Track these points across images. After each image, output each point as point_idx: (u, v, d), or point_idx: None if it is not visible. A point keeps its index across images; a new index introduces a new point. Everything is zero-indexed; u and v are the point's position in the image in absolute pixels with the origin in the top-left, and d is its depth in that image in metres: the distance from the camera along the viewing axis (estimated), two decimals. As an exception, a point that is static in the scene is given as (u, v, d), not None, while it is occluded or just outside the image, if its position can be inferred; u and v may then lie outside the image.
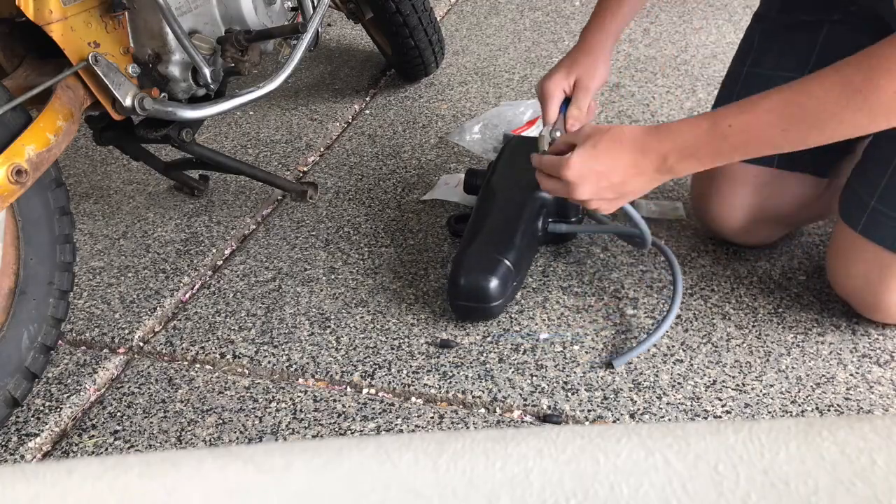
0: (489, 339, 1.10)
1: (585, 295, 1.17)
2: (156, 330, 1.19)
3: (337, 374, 1.07)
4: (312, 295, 1.22)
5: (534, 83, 1.83)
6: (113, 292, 1.26)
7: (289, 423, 1.00)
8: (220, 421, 1.01)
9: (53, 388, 1.08)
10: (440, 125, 1.68)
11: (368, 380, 1.05)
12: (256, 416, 1.02)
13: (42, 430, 1.02)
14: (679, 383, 1.01)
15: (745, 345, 1.07)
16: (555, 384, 1.02)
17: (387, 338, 1.12)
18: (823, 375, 1.01)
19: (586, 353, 1.07)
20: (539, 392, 1.01)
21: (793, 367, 1.03)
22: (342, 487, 0.26)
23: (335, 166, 1.57)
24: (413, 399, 1.02)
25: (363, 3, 1.67)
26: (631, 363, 1.04)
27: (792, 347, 1.06)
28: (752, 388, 1.00)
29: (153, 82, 1.14)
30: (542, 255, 1.25)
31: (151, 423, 1.02)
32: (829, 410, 0.97)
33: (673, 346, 1.07)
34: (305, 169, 1.58)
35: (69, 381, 1.09)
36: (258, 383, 1.07)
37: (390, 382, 1.05)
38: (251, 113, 1.80)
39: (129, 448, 0.99)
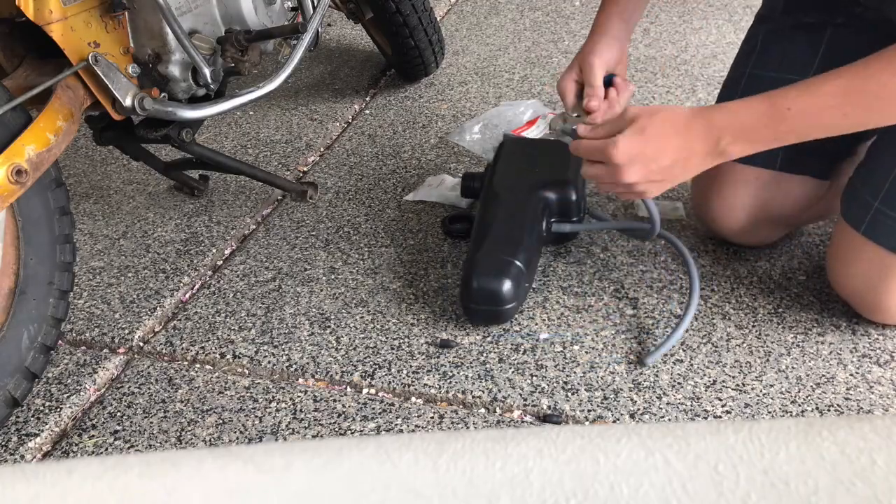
0: (489, 339, 1.10)
1: (585, 295, 1.17)
2: (156, 330, 1.19)
3: (337, 374, 1.07)
4: (312, 295, 1.22)
5: (534, 83, 1.83)
6: (113, 292, 1.26)
7: (289, 423, 1.00)
8: (220, 421, 1.01)
9: (53, 388, 1.08)
10: (440, 125, 1.68)
11: (368, 380, 1.05)
12: (256, 416, 1.02)
13: (42, 430, 1.02)
14: (679, 383, 1.01)
15: (745, 345, 1.07)
16: (555, 384, 1.02)
17: (387, 338, 1.12)
18: (823, 375, 1.01)
19: (586, 353, 1.07)
20: (539, 392, 1.01)
21: (793, 367, 1.03)
22: (342, 487, 0.26)
23: (335, 166, 1.57)
24: (413, 399, 1.02)
25: (363, 3, 1.67)
26: (630, 363, 1.04)
27: (792, 347, 1.06)
28: (752, 388, 1.00)
29: (153, 82, 1.14)
30: (542, 255, 1.25)
31: (151, 423, 1.02)
32: (829, 410, 0.97)
33: (673, 346, 1.07)
34: (305, 169, 1.58)
35: (69, 381, 1.09)
36: (258, 383, 1.07)
37: (390, 382, 1.05)
38: (251, 113, 1.80)
39: (129, 448, 0.99)
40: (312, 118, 1.75)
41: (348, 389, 1.05)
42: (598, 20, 1.14)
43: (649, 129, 0.90)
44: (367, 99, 1.83)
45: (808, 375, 1.01)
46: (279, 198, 1.48)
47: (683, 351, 1.06)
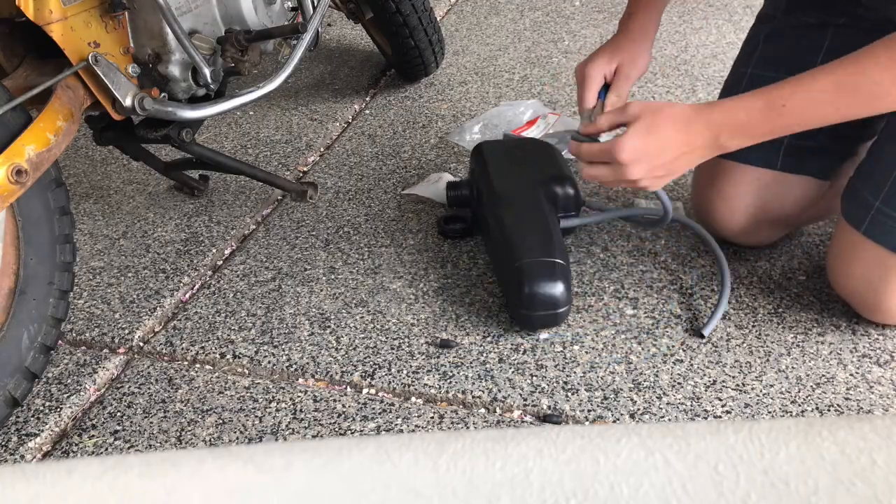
0: (489, 339, 1.10)
1: (585, 295, 1.17)
2: (156, 330, 1.19)
3: (337, 374, 1.07)
4: (312, 295, 1.22)
5: (534, 83, 1.83)
6: (113, 292, 1.26)
7: (289, 423, 1.00)
8: (220, 421, 1.01)
9: (53, 388, 1.08)
10: (440, 125, 1.68)
11: (368, 380, 1.05)
12: (256, 416, 1.02)
13: (42, 430, 1.02)
14: (679, 383, 1.01)
15: (745, 345, 1.07)
16: (555, 384, 1.02)
17: (387, 338, 1.12)
18: (823, 375, 1.01)
19: (586, 353, 1.07)
20: (539, 392, 1.01)
21: (793, 367, 1.03)
22: (342, 487, 0.26)
23: (335, 166, 1.57)
24: (413, 399, 1.02)
25: (363, 3, 1.67)
26: (630, 363, 1.05)
27: (792, 347, 1.06)
28: (752, 388, 1.00)
29: (153, 82, 1.14)
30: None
31: (151, 423, 1.02)
32: (829, 410, 0.97)
33: (673, 346, 1.07)
34: (305, 169, 1.58)
35: (69, 381, 1.09)
36: (258, 383, 1.07)
37: (390, 382, 1.05)
38: (251, 113, 1.80)
39: (129, 448, 0.99)
40: (312, 118, 1.75)
41: (348, 389, 1.05)
42: (640, 22, 1.17)
43: (652, 127, 0.93)
44: (367, 99, 1.83)
45: (808, 375, 1.01)
46: (279, 198, 1.48)
47: (683, 351, 1.06)
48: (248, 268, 1.29)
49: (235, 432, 1.00)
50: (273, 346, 1.12)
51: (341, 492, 0.26)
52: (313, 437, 0.99)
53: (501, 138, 1.56)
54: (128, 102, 1.07)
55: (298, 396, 1.04)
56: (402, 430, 0.98)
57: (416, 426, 0.98)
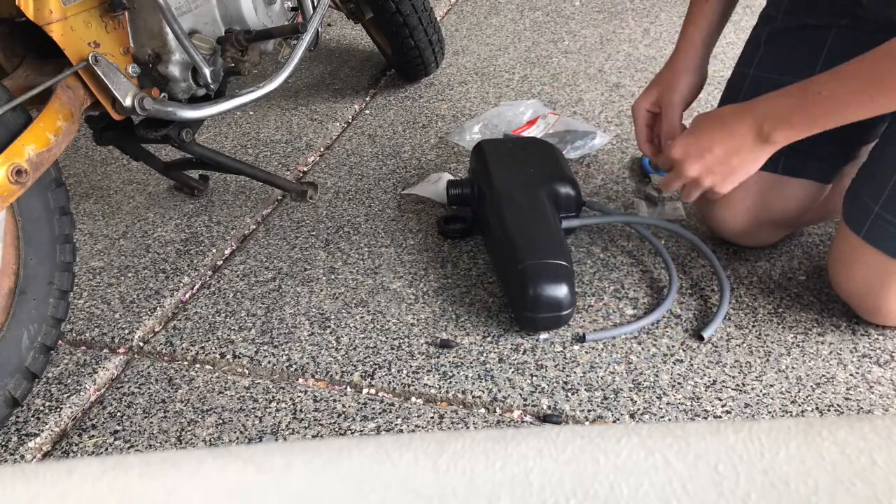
0: (489, 339, 1.10)
1: (585, 295, 1.17)
2: (156, 330, 1.19)
3: (337, 374, 1.07)
4: (312, 295, 1.22)
5: (534, 83, 1.83)
6: (113, 292, 1.26)
7: (289, 423, 1.00)
8: (220, 421, 1.01)
9: (53, 388, 1.08)
10: (440, 125, 1.68)
11: (368, 380, 1.05)
12: (256, 416, 1.02)
13: (42, 430, 1.02)
14: (679, 383, 1.01)
15: (745, 345, 1.07)
16: (555, 384, 1.02)
17: (387, 338, 1.12)
18: (823, 375, 1.01)
19: (586, 353, 1.07)
20: (539, 392, 1.01)
21: (793, 367, 1.03)
22: (342, 487, 0.26)
23: (335, 166, 1.57)
24: (413, 399, 1.02)
25: (363, 3, 1.67)
26: (631, 363, 1.05)
27: (792, 347, 1.06)
28: (752, 388, 1.00)
29: (153, 82, 1.14)
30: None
31: (151, 423, 1.02)
32: (829, 410, 0.97)
33: (673, 346, 1.07)
34: (305, 169, 1.58)
35: (69, 381, 1.09)
36: (258, 383, 1.07)
37: (390, 382, 1.05)
38: (251, 113, 1.80)
39: (129, 448, 0.99)
40: (312, 118, 1.75)
41: (348, 389, 1.05)
42: (680, 46, 1.15)
43: (697, 125, 1.01)
44: (367, 99, 1.83)
45: (808, 375, 1.01)
46: (279, 198, 1.48)
47: (683, 351, 1.06)
48: (248, 268, 1.29)
49: (235, 432, 1.00)
50: (273, 346, 1.12)
51: (341, 492, 0.26)
52: (313, 437, 0.99)
53: (501, 138, 1.56)
54: (128, 102, 1.07)
55: (298, 396, 1.04)
56: (402, 430, 0.98)
57: (416, 426, 0.98)
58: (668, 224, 1.21)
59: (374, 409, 1.01)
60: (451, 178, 1.45)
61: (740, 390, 1.00)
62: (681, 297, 1.15)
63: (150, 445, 0.99)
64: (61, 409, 1.05)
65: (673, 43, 1.96)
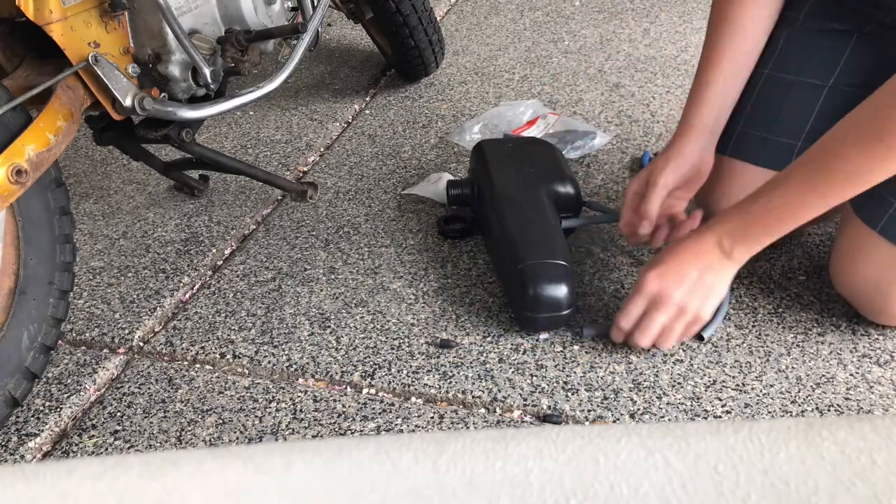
0: (489, 339, 1.10)
1: (585, 295, 1.17)
2: (156, 330, 1.19)
3: (337, 374, 1.07)
4: (312, 295, 1.22)
5: (534, 83, 1.83)
6: (113, 292, 1.26)
7: (289, 423, 1.00)
8: (220, 421, 1.01)
9: (53, 388, 1.08)
10: (440, 125, 1.68)
11: (368, 380, 1.05)
12: (256, 416, 1.02)
13: (42, 430, 1.02)
14: (679, 383, 1.01)
15: (745, 345, 1.07)
16: (555, 384, 1.02)
17: (387, 338, 1.12)
18: (823, 375, 1.01)
19: (586, 353, 1.07)
20: (539, 392, 1.01)
21: (793, 367, 1.03)
22: (342, 487, 0.26)
23: (335, 166, 1.57)
24: (413, 399, 1.02)
25: (363, 3, 1.67)
26: (631, 363, 1.05)
27: (792, 347, 1.06)
28: (752, 388, 1.00)
29: (153, 82, 1.14)
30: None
31: (151, 423, 1.02)
32: (829, 410, 0.97)
33: (673, 346, 1.07)
34: (305, 169, 1.58)
35: (69, 381, 1.09)
36: (258, 383, 1.07)
37: (390, 382, 1.05)
38: (251, 113, 1.80)
39: (129, 448, 0.99)
40: (312, 118, 1.75)
41: (348, 389, 1.05)
42: (679, 130, 1.11)
43: (660, 257, 1.00)
44: (367, 99, 1.83)
45: (808, 375, 1.01)
46: (279, 198, 1.48)
47: (683, 351, 1.06)
48: (248, 268, 1.29)
49: (235, 432, 1.00)
50: (273, 346, 1.12)
51: (341, 492, 0.26)
52: (313, 437, 0.99)
53: (501, 138, 1.56)
54: (128, 102, 1.07)
55: (298, 396, 1.04)
56: (402, 430, 0.98)
57: (416, 426, 0.98)
58: None
59: (374, 409, 1.01)
60: (451, 178, 1.45)
61: (740, 390, 1.00)
62: (681, 297, 1.15)
63: (150, 445, 0.99)
64: (61, 409, 1.05)
65: (673, 43, 1.96)
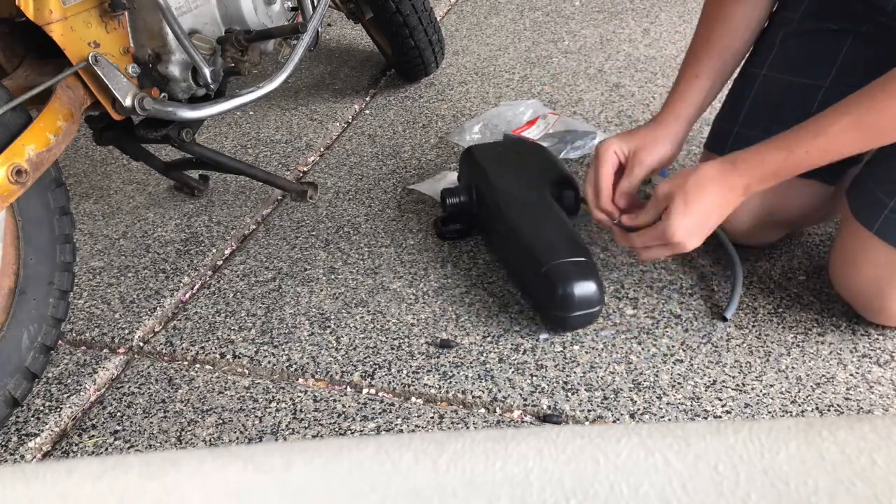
0: (489, 339, 1.10)
1: (585, 295, 1.17)
2: (156, 330, 1.19)
3: (337, 374, 1.07)
4: (312, 295, 1.22)
5: (534, 83, 1.83)
6: (113, 292, 1.26)
7: (289, 423, 1.00)
8: (220, 421, 1.01)
9: (53, 388, 1.08)
10: (440, 125, 1.68)
11: (368, 380, 1.05)
12: (256, 416, 1.02)
13: (42, 430, 1.02)
14: (679, 383, 1.01)
15: (745, 345, 1.06)
16: (555, 384, 1.02)
17: (387, 338, 1.12)
18: (823, 375, 1.01)
19: (586, 353, 1.07)
20: (539, 392, 1.01)
21: (793, 367, 1.03)
22: (342, 487, 0.26)
23: (335, 166, 1.57)
24: (413, 399, 1.02)
25: (363, 3, 1.67)
26: (631, 363, 1.05)
27: (792, 347, 1.06)
28: (752, 388, 1.00)
29: (153, 82, 1.14)
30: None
31: (151, 423, 1.02)
32: (829, 410, 0.97)
33: (673, 346, 1.07)
34: (305, 169, 1.58)
35: (69, 381, 1.09)
36: (258, 383, 1.07)
37: (390, 382, 1.05)
38: (251, 113, 1.80)
39: (129, 448, 0.99)
40: (312, 118, 1.75)
41: (348, 389, 1.05)
42: (668, 116, 1.12)
43: (689, 200, 0.97)
44: (367, 99, 1.83)
45: (808, 375, 1.01)
46: (279, 198, 1.48)
47: (683, 351, 1.06)
48: (248, 268, 1.29)
49: (235, 432, 1.00)
50: (273, 346, 1.12)
51: (341, 492, 0.26)
52: (313, 437, 0.99)
53: (501, 139, 1.56)
54: (128, 102, 1.07)
55: (298, 396, 1.04)
56: (402, 430, 0.98)
57: (416, 426, 0.98)
58: None
59: (374, 409, 1.01)
60: (446, 186, 1.44)
61: (740, 390, 1.00)
62: (681, 297, 1.15)
63: (150, 445, 0.99)
64: (61, 409, 1.05)
65: (673, 43, 1.96)
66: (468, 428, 0.98)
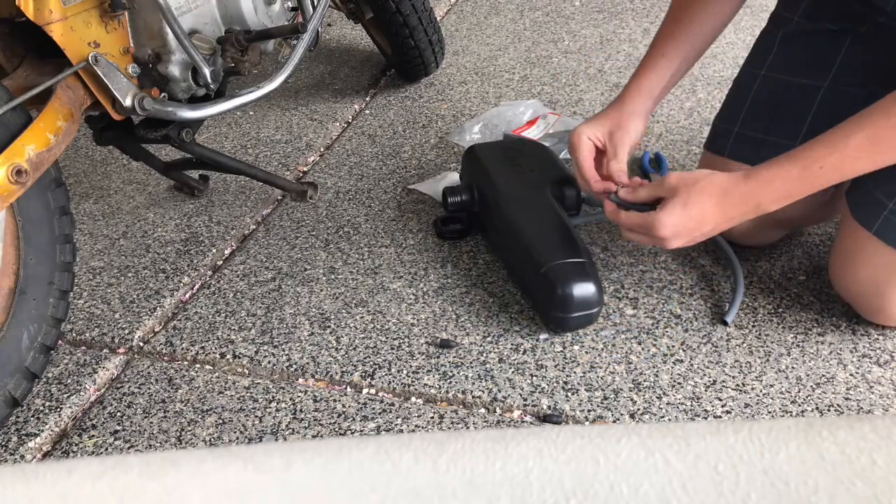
0: (489, 339, 1.10)
1: (585, 295, 1.17)
2: (156, 330, 1.19)
3: (337, 374, 1.07)
4: (312, 295, 1.22)
5: (534, 83, 1.83)
6: (113, 292, 1.26)
7: (289, 423, 1.00)
8: (220, 421, 1.01)
9: (53, 388, 1.08)
10: (440, 125, 1.68)
11: (368, 380, 1.05)
12: (256, 416, 1.02)
13: (42, 430, 1.02)
14: (679, 383, 1.01)
15: (745, 345, 1.07)
16: (555, 384, 1.02)
17: (387, 338, 1.12)
18: (823, 375, 1.01)
19: (586, 353, 1.07)
20: (539, 392, 1.01)
21: (793, 367, 1.03)
22: (342, 487, 0.26)
23: (335, 166, 1.57)
24: (413, 399, 1.02)
25: (363, 3, 1.67)
26: (631, 363, 1.05)
27: (792, 347, 1.06)
28: (752, 388, 1.00)
29: (153, 82, 1.14)
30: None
31: (151, 423, 1.02)
32: (829, 410, 0.97)
33: (673, 346, 1.07)
34: (305, 169, 1.58)
35: (69, 381, 1.09)
36: (258, 383, 1.07)
37: (390, 382, 1.05)
38: (251, 113, 1.80)
39: (129, 448, 0.99)
40: (312, 118, 1.75)
41: (348, 389, 1.05)
42: (633, 92, 1.12)
43: (689, 203, 0.96)
44: (367, 99, 1.83)
45: (808, 375, 1.01)
46: (279, 198, 1.48)
47: (683, 351, 1.06)
48: (248, 268, 1.29)
49: (235, 432, 1.00)
50: (273, 346, 1.12)
51: (341, 492, 0.26)
52: (313, 437, 0.99)
53: (501, 138, 1.56)
54: (128, 102, 1.07)
55: (298, 396, 1.04)
56: (402, 430, 0.98)
57: (416, 426, 0.98)
58: None
59: (374, 409, 1.01)
60: (448, 185, 1.45)
61: (740, 390, 1.00)
62: (681, 297, 1.15)
63: (150, 445, 0.99)
64: (61, 409, 1.05)
65: (673, 43, 1.96)
66: (468, 428, 0.98)
